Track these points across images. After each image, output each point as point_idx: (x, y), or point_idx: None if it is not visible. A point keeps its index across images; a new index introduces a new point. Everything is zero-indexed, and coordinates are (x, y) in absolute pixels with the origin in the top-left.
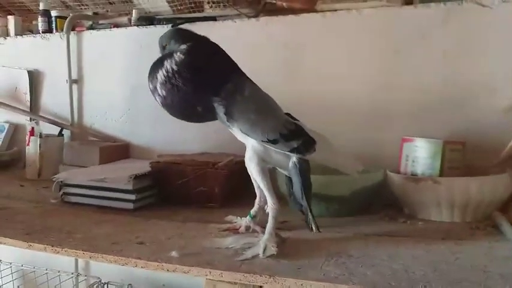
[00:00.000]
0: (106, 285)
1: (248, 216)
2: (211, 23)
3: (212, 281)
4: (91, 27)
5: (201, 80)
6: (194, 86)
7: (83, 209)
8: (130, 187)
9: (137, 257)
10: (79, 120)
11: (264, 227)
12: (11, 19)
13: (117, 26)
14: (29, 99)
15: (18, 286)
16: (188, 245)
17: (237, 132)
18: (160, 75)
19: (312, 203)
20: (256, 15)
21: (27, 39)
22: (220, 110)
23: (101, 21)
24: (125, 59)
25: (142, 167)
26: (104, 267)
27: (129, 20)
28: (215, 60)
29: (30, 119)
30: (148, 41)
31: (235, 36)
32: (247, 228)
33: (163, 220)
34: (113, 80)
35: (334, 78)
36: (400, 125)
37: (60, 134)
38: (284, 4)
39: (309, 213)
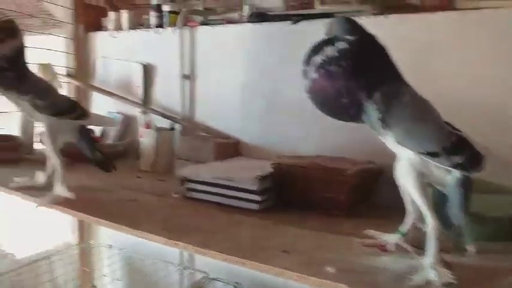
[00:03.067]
0: (213, 281)
1: (398, 233)
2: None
3: None
4: (204, 23)
5: (358, 73)
6: (349, 77)
7: (206, 206)
8: (256, 188)
9: (290, 269)
10: (190, 115)
11: (416, 247)
12: (124, 13)
13: (230, 21)
14: (142, 92)
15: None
16: (338, 260)
17: (389, 141)
18: (318, 58)
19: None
20: (381, 13)
21: (140, 33)
22: (373, 114)
23: (212, 17)
24: (238, 55)
25: (262, 166)
26: (209, 262)
27: (240, 15)
28: (378, 60)
29: (143, 112)
30: (262, 37)
31: None
32: (397, 246)
33: (292, 226)
34: (226, 77)
35: (473, 81)
36: None
37: (172, 128)
38: (416, 0)
39: (464, 235)
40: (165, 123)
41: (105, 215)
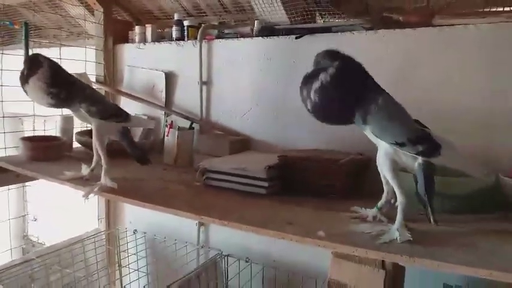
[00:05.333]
0: (226, 257)
1: (375, 208)
2: (332, 34)
3: (338, 259)
4: (219, 36)
5: (347, 90)
6: (341, 94)
7: (223, 192)
8: (264, 175)
9: (293, 234)
10: (207, 116)
11: (389, 218)
12: (148, 27)
13: (242, 35)
14: (164, 97)
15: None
16: (329, 228)
17: (370, 134)
18: (315, 84)
19: (433, 201)
20: (371, 28)
21: (164, 45)
22: (359, 116)
23: (226, 31)
24: (249, 65)
25: (269, 158)
26: (222, 241)
27: (251, 29)
28: (358, 75)
29: (165, 113)
30: (270, 50)
31: (355, 47)
32: (374, 217)
33: (295, 206)
34: (238, 83)
35: (448, 89)
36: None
37: (191, 127)
38: (400, 18)
39: (429, 208)
40: (185, 123)
41: (144, 200)
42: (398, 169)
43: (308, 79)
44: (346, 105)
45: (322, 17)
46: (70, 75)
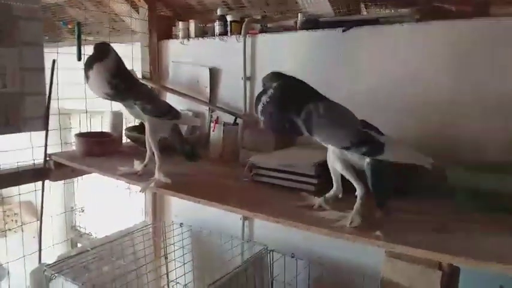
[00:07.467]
0: (272, 252)
1: (322, 197)
2: (380, 27)
3: (391, 258)
4: (262, 30)
5: (286, 106)
6: (281, 111)
7: (271, 188)
8: (313, 172)
9: (349, 233)
10: (250, 111)
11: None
12: (191, 23)
13: (286, 29)
14: (209, 92)
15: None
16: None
17: (318, 141)
18: (260, 106)
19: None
20: (421, 19)
21: (207, 41)
22: (302, 127)
23: (270, 25)
24: (293, 59)
25: (316, 154)
26: (267, 236)
27: (295, 23)
28: (296, 91)
29: (209, 109)
30: (315, 43)
31: (404, 40)
32: (319, 205)
33: (349, 203)
34: None
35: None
36: None
37: (235, 123)
38: (453, 8)
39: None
40: (229, 119)
41: (198, 195)
42: (349, 165)
43: (256, 100)
44: (287, 121)
45: (367, 8)
46: (130, 71)
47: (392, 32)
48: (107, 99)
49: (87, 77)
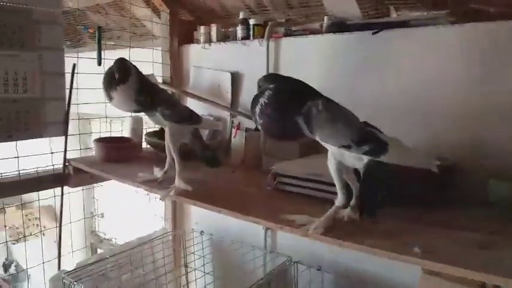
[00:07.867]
0: (296, 264)
1: (349, 208)
2: (411, 29)
3: (427, 275)
4: (286, 34)
5: (284, 107)
6: (280, 112)
7: (295, 197)
8: None
9: (387, 250)
10: None
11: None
12: (213, 27)
13: (311, 32)
14: (230, 97)
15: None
16: (420, 240)
17: (319, 140)
18: (257, 108)
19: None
20: (455, 21)
21: (229, 45)
22: (303, 126)
23: (294, 28)
24: (319, 64)
25: None
26: (291, 246)
27: (321, 26)
28: (293, 92)
29: (231, 114)
30: (342, 47)
31: (438, 43)
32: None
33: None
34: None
35: None
36: None
37: (257, 129)
38: (491, 9)
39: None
40: (251, 124)
41: (219, 204)
42: (342, 170)
43: (252, 103)
44: (287, 120)
45: (396, 10)
46: (149, 80)
47: (424, 35)
48: (134, 113)
49: (110, 97)
